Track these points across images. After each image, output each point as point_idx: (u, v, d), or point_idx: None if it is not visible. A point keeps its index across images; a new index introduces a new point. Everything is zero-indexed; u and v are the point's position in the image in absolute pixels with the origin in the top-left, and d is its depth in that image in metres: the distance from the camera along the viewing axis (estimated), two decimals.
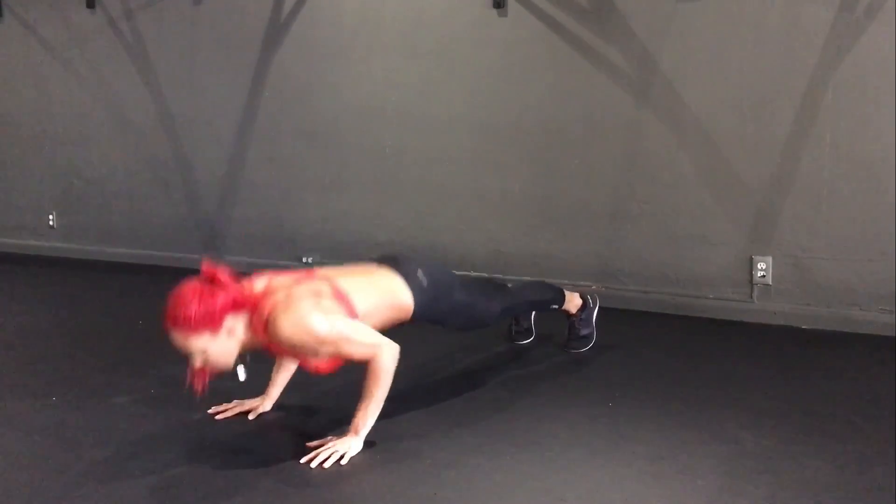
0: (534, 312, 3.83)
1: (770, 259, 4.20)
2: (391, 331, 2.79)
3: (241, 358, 2.64)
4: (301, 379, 3.44)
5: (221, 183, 5.68)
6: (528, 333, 3.84)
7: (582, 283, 4.54)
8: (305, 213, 5.41)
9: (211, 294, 2.53)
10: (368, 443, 2.67)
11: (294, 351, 2.64)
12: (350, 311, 2.67)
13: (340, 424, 2.75)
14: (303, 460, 2.56)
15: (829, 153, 4.04)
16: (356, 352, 2.61)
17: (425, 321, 2.98)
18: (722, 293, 4.32)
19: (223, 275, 2.59)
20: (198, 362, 2.53)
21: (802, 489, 2.39)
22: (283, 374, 3.01)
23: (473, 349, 3.80)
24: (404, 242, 5.07)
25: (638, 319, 4.29)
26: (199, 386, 2.60)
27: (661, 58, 4.35)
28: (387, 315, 2.83)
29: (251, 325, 2.57)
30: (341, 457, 2.57)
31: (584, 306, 3.71)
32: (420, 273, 2.93)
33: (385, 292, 2.83)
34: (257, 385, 3.14)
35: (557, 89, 4.61)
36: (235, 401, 3.02)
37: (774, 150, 4.14)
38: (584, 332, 3.72)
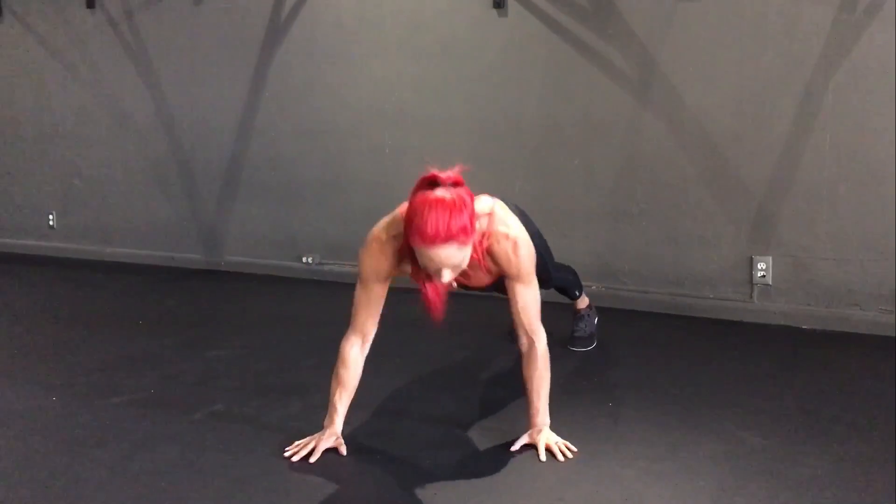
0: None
1: (770, 259, 4.20)
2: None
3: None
4: (302, 380, 3.45)
5: (221, 183, 5.68)
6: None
7: (582, 283, 4.53)
8: (305, 213, 5.41)
9: (462, 197, 2.35)
10: (368, 443, 2.67)
11: (498, 266, 2.56)
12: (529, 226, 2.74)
13: (346, 423, 2.75)
14: (542, 458, 2.57)
15: (829, 153, 4.04)
16: (529, 302, 2.62)
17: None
18: (722, 293, 4.32)
19: (449, 175, 2.41)
20: (449, 276, 2.35)
21: (802, 489, 2.39)
22: (348, 398, 2.70)
23: (473, 349, 3.80)
24: None
25: (638, 319, 4.29)
26: (439, 308, 2.46)
27: (661, 58, 4.35)
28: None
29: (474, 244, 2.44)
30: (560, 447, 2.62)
31: (590, 305, 3.81)
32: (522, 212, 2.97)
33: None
34: (263, 385, 3.15)
35: (557, 89, 4.61)
36: (309, 438, 2.69)
37: (774, 150, 4.14)
38: (589, 330, 3.75)
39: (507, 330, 3.89)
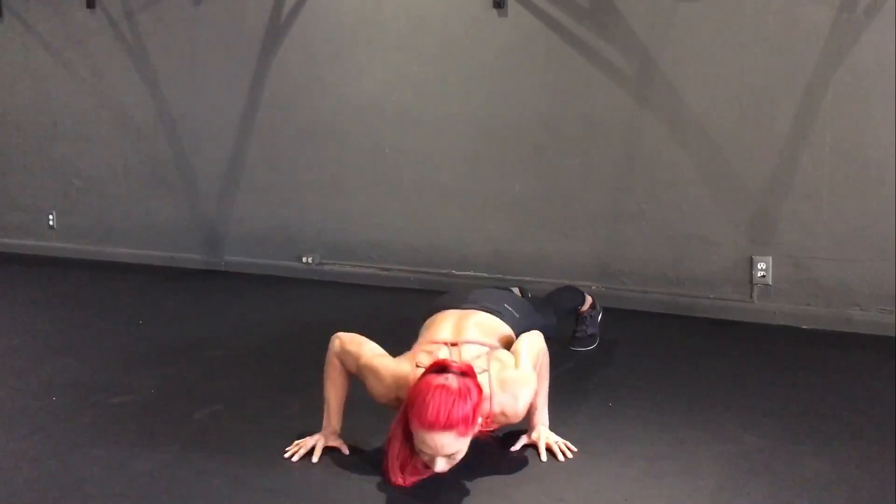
0: None
1: (770, 259, 4.20)
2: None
3: None
4: (301, 380, 3.45)
5: (221, 183, 5.68)
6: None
7: (582, 283, 4.53)
8: (305, 213, 5.41)
9: (467, 389, 2.31)
10: (368, 443, 2.67)
11: (513, 419, 2.53)
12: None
13: (344, 424, 2.75)
14: (543, 458, 2.58)
15: (829, 153, 4.04)
16: (545, 356, 2.68)
17: None
18: (722, 293, 4.32)
19: (454, 365, 2.38)
20: (446, 465, 2.32)
21: (802, 489, 2.39)
22: (342, 400, 2.75)
23: None
24: (404, 242, 5.07)
25: (638, 319, 4.29)
26: (406, 483, 2.39)
27: (661, 58, 4.35)
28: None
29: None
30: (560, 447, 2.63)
31: (594, 305, 3.80)
32: (507, 306, 2.97)
33: (501, 335, 2.81)
34: (262, 385, 3.15)
35: (557, 89, 4.61)
36: (308, 438, 2.71)
37: (774, 150, 4.14)
38: (591, 330, 3.75)
39: None
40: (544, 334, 2.84)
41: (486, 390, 2.41)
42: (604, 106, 4.50)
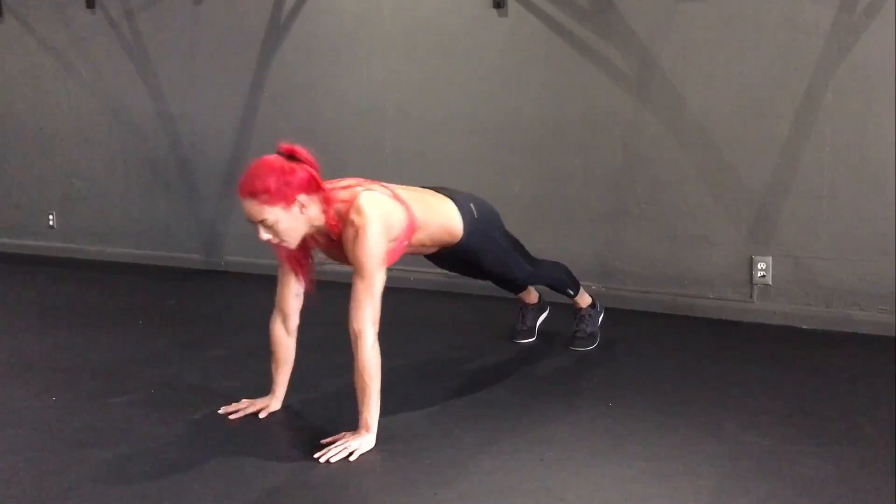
0: (542, 315, 3.91)
1: (770, 259, 4.20)
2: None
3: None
4: (301, 380, 3.44)
5: (221, 183, 5.68)
6: (529, 333, 3.85)
7: (582, 283, 4.53)
8: None
9: (290, 168, 2.59)
10: (377, 441, 2.67)
11: (348, 235, 2.67)
12: (410, 216, 2.79)
13: (342, 423, 2.75)
14: (315, 455, 2.57)
15: (829, 153, 4.04)
16: (362, 268, 2.66)
17: (466, 255, 3.10)
18: (722, 293, 4.32)
19: (303, 152, 2.66)
20: (265, 234, 2.62)
21: (802, 489, 2.39)
22: (284, 371, 3.02)
23: (473, 349, 3.80)
24: None
25: (638, 319, 4.29)
26: (282, 255, 2.79)
27: (661, 58, 4.35)
28: (438, 232, 2.95)
29: (324, 208, 2.66)
30: (351, 453, 2.58)
31: (594, 305, 3.76)
32: (472, 205, 3.07)
33: (440, 212, 2.96)
34: (262, 385, 3.15)
35: (557, 89, 4.61)
36: (245, 400, 3.03)
37: (774, 150, 4.14)
38: (590, 329, 3.75)
39: (509, 330, 3.90)
40: (499, 260, 3.15)
41: (337, 195, 2.68)
42: (604, 106, 4.50)
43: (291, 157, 2.64)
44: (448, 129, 4.92)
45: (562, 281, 3.69)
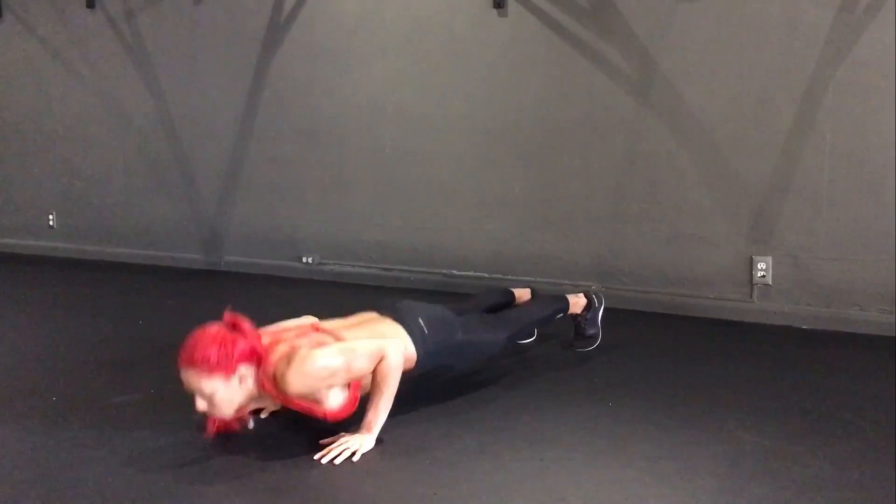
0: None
1: (770, 259, 4.20)
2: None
3: (250, 413, 2.71)
4: None
5: (221, 183, 5.68)
6: (529, 333, 3.84)
7: (582, 283, 4.54)
8: (305, 213, 5.41)
9: (231, 340, 2.56)
10: (376, 441, 2.67)
11: (307, 399, 2.61)
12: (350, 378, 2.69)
13: (341, 422, 2.75)
14: (316, 457, 2.58)
15: (829, 153, 4.04)
16: (367, 362, 2.66)
17: (432, 369, 2.98)
18: (722, 293, 4.32)
19: (245, 323, 2.63)
20: (201, 405, 2.56)
21: (802, 489, 2.39)
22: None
23: None
24: (404, 242, 5.07)
25: (638, 319, 4.29)
26: (211, 428, 2.68)
27: (661, 58, 4.35)
28: None
29: (259, 378, 2.59)
30: (352, 454, 2.59)
31: (590, 306, 3.74)
32: (421, 321, 2.93)
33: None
34: None
35: (557, 89, 4.61)
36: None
37: (774, 150, 4.14)
38: (589, 331, 3.73)
39: None
40: (468, 355, 3.03)
41: (274, 356, 2.57)
42: (604, 106, 4.50)
43: (234, 327, 2.60)
44: (448, 128, 4.92)
45: (546, 316, 3.59)
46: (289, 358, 2.56)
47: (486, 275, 4.83)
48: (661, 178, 4.41)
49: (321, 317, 3.09)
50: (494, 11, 4.71)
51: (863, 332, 3.97)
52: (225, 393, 2.55)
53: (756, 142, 4.18)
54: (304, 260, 5.39)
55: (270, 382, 2.56)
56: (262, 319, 3.02)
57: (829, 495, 2.35)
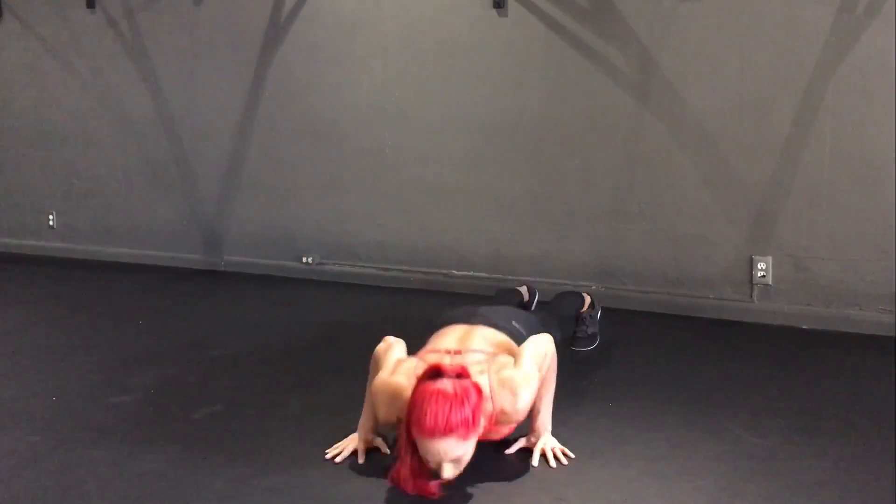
0: (533, 302, 3.92)
1: (770, 259, 4.20)
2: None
3: None
4: (301, 380, 3.45)
5: (221, 183, 5.68)
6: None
7: (582, 283, 4.54)
8: (305, 213, 5.41)
9: (468, 394, 2.30)
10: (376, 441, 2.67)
11: (514, 417, 2.50)
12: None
13: (342, 422, 2.75)
14: (534, 462, 2.56)
15: (829, 153, 4.04)
16: (553, 361, 2.66)
17: None
18: (722, 293, 4.32)
19: (466, 370, 2.39)
20: (450, 471, 2.29)
21: (802, 489, 2.39)
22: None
23: None
24: (404, 242, 5.07)
25: (638, 319, 4.28)
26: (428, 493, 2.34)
27: (661, 58, 4.35)
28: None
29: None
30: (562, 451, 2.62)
31: (592, 304, 3.77)
32: (515, 324, 2.89)
33: (506, 348, 2.74)
34: (262, 385, 3.14)
35: (557, 89, 4.61)
36: (348, 440, 2.71)
37: (774, 150, 4.14)
38: (591, 330, 3.75)
39: None
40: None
41: (486, 390, 2.39)
42: (604, 106, 4.50)
43: (442, 374, 2.33)
44: (448, 129, 4.92)
45: (574, 311, 3.74)
46: (506, 385, 2.44)
47: (486, 275, 4.82)
48: (661, 178, 4.41)
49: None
50: (494, 11, 4.71)
51: (863, 332, 3.97)
52: (472, 450, 2.33)
53: (756, 142, 4.17)
54: (304, 260, 5.38)
55: (491, 419, 2.42)
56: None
57: (829, 495, 2.35)
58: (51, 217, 6.36)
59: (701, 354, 3.71)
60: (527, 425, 2.65)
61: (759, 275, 4.21)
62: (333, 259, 5.34)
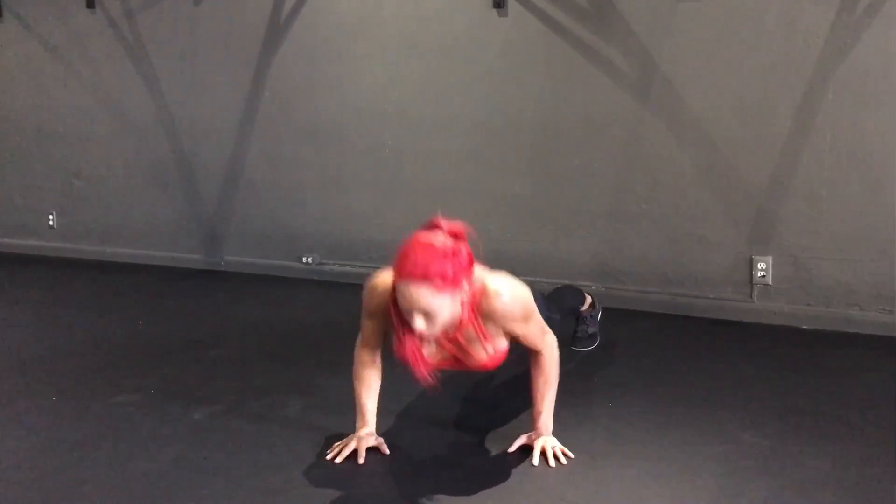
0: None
1: (770, 259, 4.20)
2: None
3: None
4: (299, 380, 3.44)
5: (221, 183, 5.68)
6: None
7: (582, 283, 4.53)
8: (305, 212, 5.41)
9: (458, 252, 2.26)
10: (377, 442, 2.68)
11: (492, 332, 2.45)
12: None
13: (341, 422, 2.75)
14: (535, 462, 2.55)
15: (829, 153, 4.04)
16: (539, 330, 2.57)
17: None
18: (722, 293, 4.32)
19: (464, 231, 2.31)
20: (420, 324, 2.25)
21: (802, 489, 2.39)
22: (374, 398, 2.70)
23: None
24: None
25: (638, 319, 4.29)
26: (419, 366, 2.36)
27: (661, 58, 4.35)
28: None
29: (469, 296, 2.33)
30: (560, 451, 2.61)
31: (593, 304, 3.77)
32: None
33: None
34: (262, 385, 3.14)
35: (557, 89, 4.61)
36: (347, 440, 2.67)
37: (774, 150, 4.14)
38: (591, 329, 3.75)
39: None
40: (553, 326, 2.81)
41: (477, 281, 2.36)
42: (604, 106, 4.50)
43: (456, 237, 2.29)
44: (448, 129, 4.92)
45: (574, 305, 3.70)
46: (497, 278, 2.42)
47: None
48: (661, 178, 4.41)
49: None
50: (494, 11, 4.71)
51: (863, 332, 3.97)
52: (448, 312, 2.26)
53: (756, 142, 4.18)
54: (304, 260, 5.39)
55: (476, 303, 2.36)
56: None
57: (830, 495, 2.35)
58: (51, 217, 6.36)
59: (701, 354, 3.71)
60: (527, 425, 2.66)
61: (759, 275, 4.21)
62: (333, 259, 5.34)
